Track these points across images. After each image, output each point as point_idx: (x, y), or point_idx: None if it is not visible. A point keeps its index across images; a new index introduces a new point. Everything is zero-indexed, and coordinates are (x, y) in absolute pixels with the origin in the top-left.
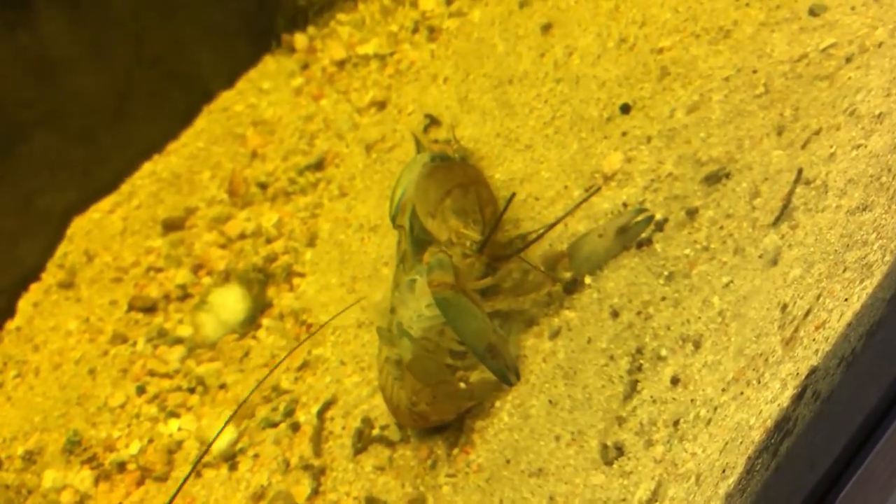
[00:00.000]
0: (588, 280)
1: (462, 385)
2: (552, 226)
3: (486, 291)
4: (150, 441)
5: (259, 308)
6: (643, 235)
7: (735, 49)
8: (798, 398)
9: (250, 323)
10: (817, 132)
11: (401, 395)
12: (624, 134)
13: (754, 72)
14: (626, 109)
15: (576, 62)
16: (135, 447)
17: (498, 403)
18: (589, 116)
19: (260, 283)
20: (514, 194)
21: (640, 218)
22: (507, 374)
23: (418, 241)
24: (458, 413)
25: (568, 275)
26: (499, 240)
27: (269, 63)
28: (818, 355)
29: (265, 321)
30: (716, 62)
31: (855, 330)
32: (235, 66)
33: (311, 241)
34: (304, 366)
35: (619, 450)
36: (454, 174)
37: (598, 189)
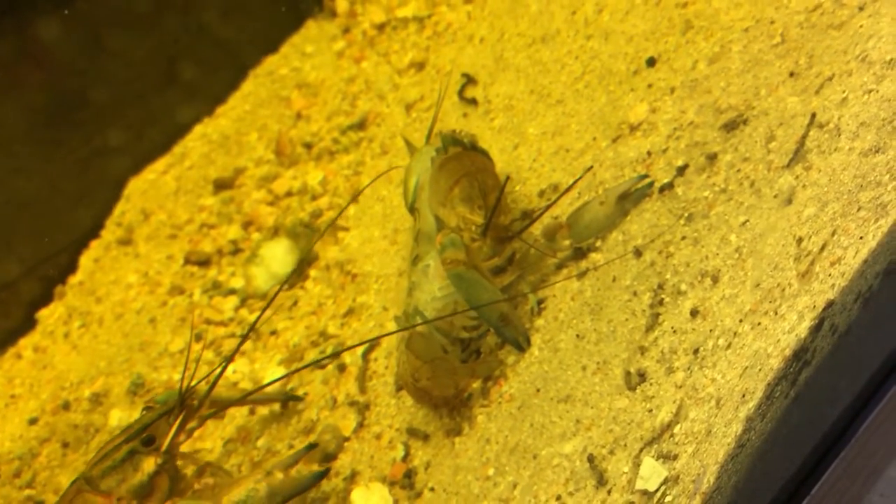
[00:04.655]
0: (598, 243)
1: (459, 363)
2: (547, 208)
3: (494, 270)
4: (208, 383)
5: (306, 260)
6: (665, 180)
7: (754, 1)
8: (815, 329)
9: (298, 274)
10: (830, 78)
11: (406, 372)
12: (649, 86)
13: (772, 22)
14: (651, 62)
15: (605, 19)
16: None
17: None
18: (617, 70)
19: (307, 237)
20: (507, 178)
21: (640, 185)
22: (520, 341)
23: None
24: (457, 389)
25: (567, 243)
26: (502, 222)
27: (312, 27)
28: (834, 289)
29: (312, 272)
30: (736, 14)
31: (871, 267)
32: (279, 31)
33: (355, 197)
34: (350, 312)
35: (642, 376)
36: (462, 164)
37: (588, 170)
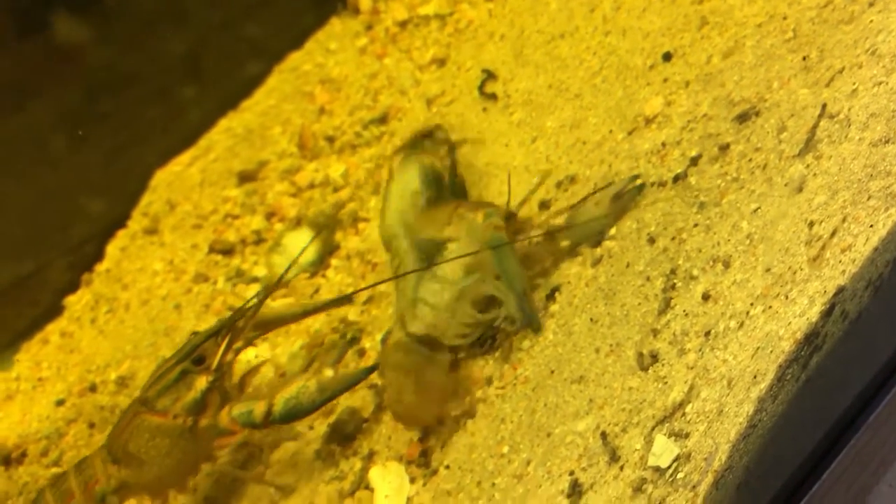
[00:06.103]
0: (613, 231)
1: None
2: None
3: None
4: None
5: (328, 250)
6: (679, 170)
7: None
8: (826, 314)
9: (320, 263)
10: (841, 71)
11: (392, 393)
12: (665, 80)
13: (784, 18)
14: (667, 57)
15: (623, 15)
16: None
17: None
18: (634, 65)
19: (328, 228)
20: (547, 174)
21: (632, 185)
22: (536, 319)
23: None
24: (444, 401)
25: (565, 244)
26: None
27: (336, 24)
28: (845, 276)
29: (334, 261)
30: (750, 10)
31: (881, 255)
32: (304, 27)
33: (376, 189)
34: (370, 300)
35: (654, 357)
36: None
37: (590, 195)
